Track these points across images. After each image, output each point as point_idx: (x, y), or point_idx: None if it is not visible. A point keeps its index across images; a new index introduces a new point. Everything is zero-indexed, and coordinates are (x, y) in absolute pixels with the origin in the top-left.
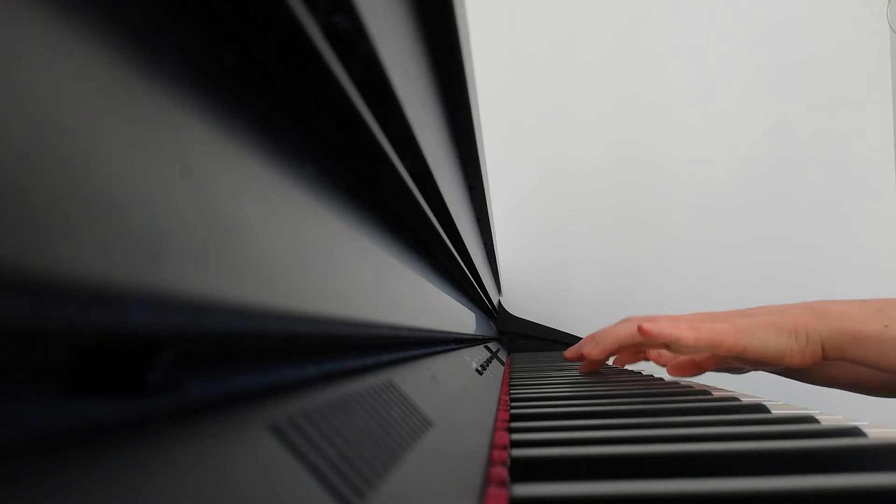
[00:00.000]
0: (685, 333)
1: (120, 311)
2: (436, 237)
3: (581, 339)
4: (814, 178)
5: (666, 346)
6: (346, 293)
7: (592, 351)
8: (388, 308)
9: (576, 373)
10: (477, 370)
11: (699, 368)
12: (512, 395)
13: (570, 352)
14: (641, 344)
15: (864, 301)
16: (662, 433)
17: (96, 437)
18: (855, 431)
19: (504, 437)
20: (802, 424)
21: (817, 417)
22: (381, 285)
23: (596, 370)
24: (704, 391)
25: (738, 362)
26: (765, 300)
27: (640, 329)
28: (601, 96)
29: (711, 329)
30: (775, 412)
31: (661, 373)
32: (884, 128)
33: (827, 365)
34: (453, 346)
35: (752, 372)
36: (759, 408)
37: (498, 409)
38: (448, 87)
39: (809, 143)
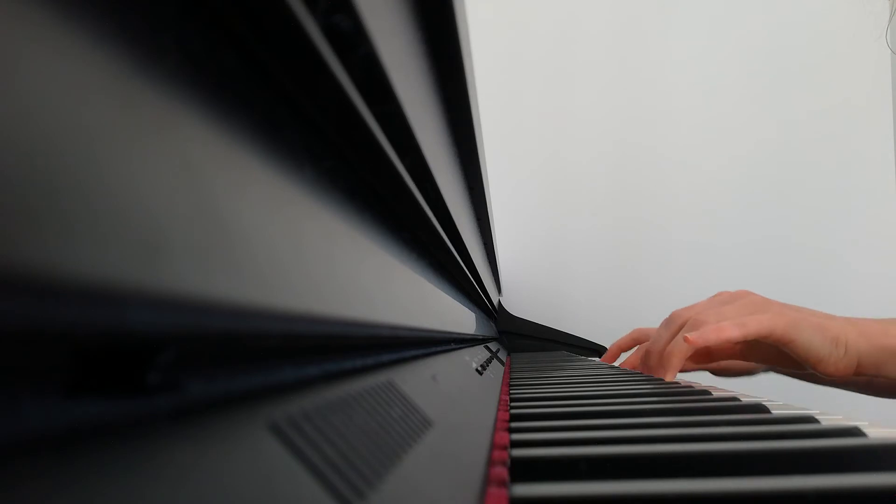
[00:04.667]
0: (731, 332)
1: (120, 311)
2: (436, 237)
3: (582, 339)
4: (814, 180)
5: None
6: (346, 293)
7: (665, 377)
8: (388, 308)
9: (575, 373)
10: (477, 370)
11: (709, 357)
12: (512, 395)
13: (634, 363)
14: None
15: None
16: (662, 433)
17: (96, 437)
18: (855, 431)
19: (504, 437)
20: (802, 424)
21: (817, 417)
22: (381, 285)
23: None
24: (704, 391)
25: (767, 359)
26: None
27: (686, 340)
28: (601, 97)
29: (759, 321)
30: (775, 412)
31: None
32: (884, 132)
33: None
34: (453, 347)
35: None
36: (759, 408)
37: (498, 409)
38: (448, 87)
39: (810, 146)
